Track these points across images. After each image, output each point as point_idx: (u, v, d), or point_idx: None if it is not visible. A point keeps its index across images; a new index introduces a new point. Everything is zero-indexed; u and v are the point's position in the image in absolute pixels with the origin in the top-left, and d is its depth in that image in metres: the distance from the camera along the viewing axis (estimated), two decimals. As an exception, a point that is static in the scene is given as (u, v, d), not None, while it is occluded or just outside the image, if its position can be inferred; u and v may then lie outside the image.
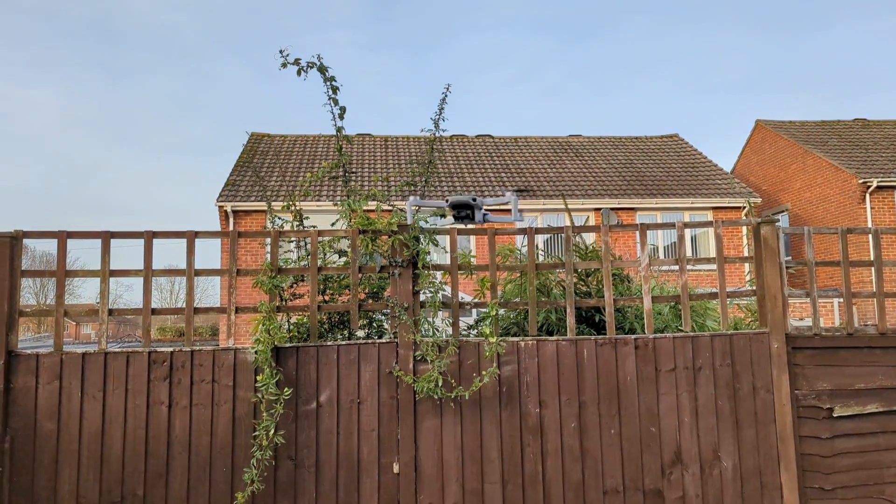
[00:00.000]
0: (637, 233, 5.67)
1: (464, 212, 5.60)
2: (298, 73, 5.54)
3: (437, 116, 6.35)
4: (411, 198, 5.92)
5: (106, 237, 4.89)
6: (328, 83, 5.70)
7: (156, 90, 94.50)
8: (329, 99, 5.75)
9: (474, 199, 5.65)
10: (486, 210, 5.77)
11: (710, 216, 20.16)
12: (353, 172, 6.21)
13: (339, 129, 5.90)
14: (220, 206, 18.31)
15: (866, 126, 24.37)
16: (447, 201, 5.67)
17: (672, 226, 5.68)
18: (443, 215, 5.91)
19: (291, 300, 5.68)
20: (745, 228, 18.04)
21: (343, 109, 5.82)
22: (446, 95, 6.33)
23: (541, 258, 8.62)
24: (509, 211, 5.96)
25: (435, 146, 6.56)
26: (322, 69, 5.64)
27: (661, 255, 19.34)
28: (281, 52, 5.39)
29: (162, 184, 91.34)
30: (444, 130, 6.46)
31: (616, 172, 22.20)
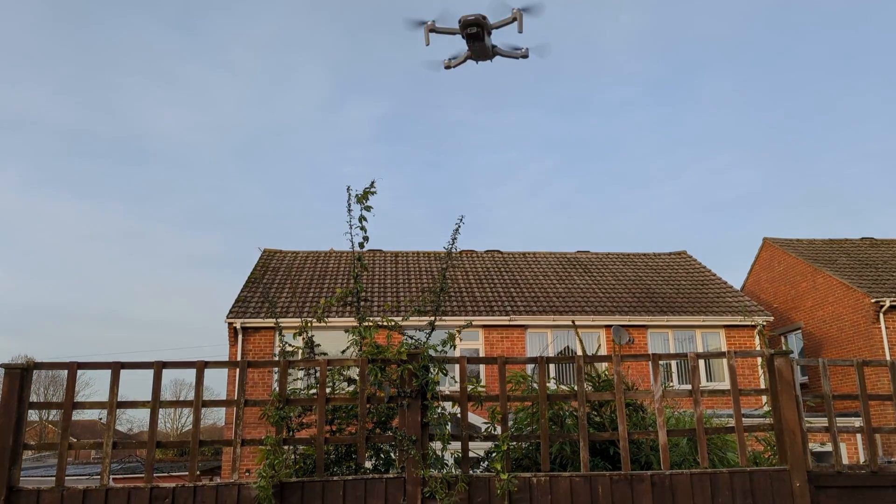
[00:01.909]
0: (650, 363, 5.60)
1: (474, 29, 5.82)
2: (358, 201, 5.79)
3: (450, 246, 6.48)
4: (428, 22, 6.16)
5: (116, 368, 4.88)
6: (360, 211, 5.89)
7: (174, 206, 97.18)
8: (352, 227, 5.92)
9: (484, 18, 5.86)
10: (496, 45, 5.98)
11: (721, 335, 19.98)
12: (365, 300, 6.26)
13: (358, 258, 6.00)
14: (230, 323, 18.35)
15: (874, 245, 24.53)
16: (460, 21, 5.89)
17: (684, 356, 5.63)
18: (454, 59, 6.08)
19: (298, 430, 5.58)
20: (760, 359, 17.78)
21: (366, 239, 5.96)
22: (459, 227, 6.47)
23: (552, 385, 8.50)
24: (517, 55, 6.18)
25: (446, 274, 6.64)
26: (360, 198, 5.86)
27: (676, 379, 19.03)
28: (348, 188, 5.71)
29: (174, 297, 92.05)
30: (456, 248, 6.58)
31: (626, 289, 22.24)
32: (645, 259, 25.39)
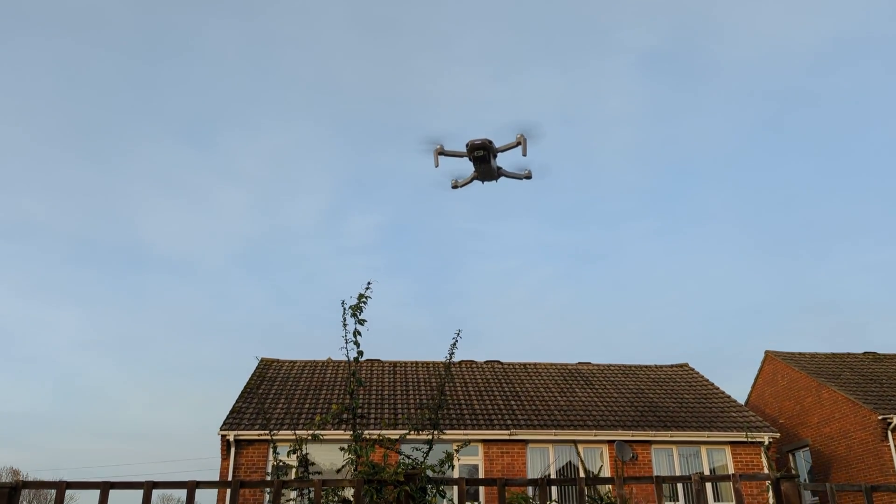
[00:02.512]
0: (654, 485, 5.45)
1: (480, 153, 5.99)
2: (351, 315, 5.82)
3: (448, 360, 6.46)
4: (438, 146, 6.35)
5: (105, 488, 4.76)
6: (354, 325, 5.89)
7: (174, 312, 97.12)
8: (348, 342, 5.91)
9: (490, 142, 6.04)
10: (501, 166, 6.14)
11: (727, 452, 19.48)
12: (361, 416, 6.17)
13: (353, 374, 5.97)
14: (223, 436, 17.94)
15: (878, 359, 24.35)
16: (467, 145, 6.06)
17: (689, 478, 5.49)
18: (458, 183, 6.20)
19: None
20: (766, 482, 17.34)
21: (360, 353, 5.95)
22: (456, 340, 6.48)
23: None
24: (521, 176, 6.32)
25: (445, 389, 6.58)
26: (356, 308, 5.89)
27: (682, 499, 18.41)
28: (342, 302, 5.74)
29: (168, 406, 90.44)
30: (454, 362, 6.55)
31: (628, 402, 21.88)
32: (647, 371, 25.13)
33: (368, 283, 5.99)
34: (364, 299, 5.95)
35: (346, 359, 6.08)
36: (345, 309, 5.92)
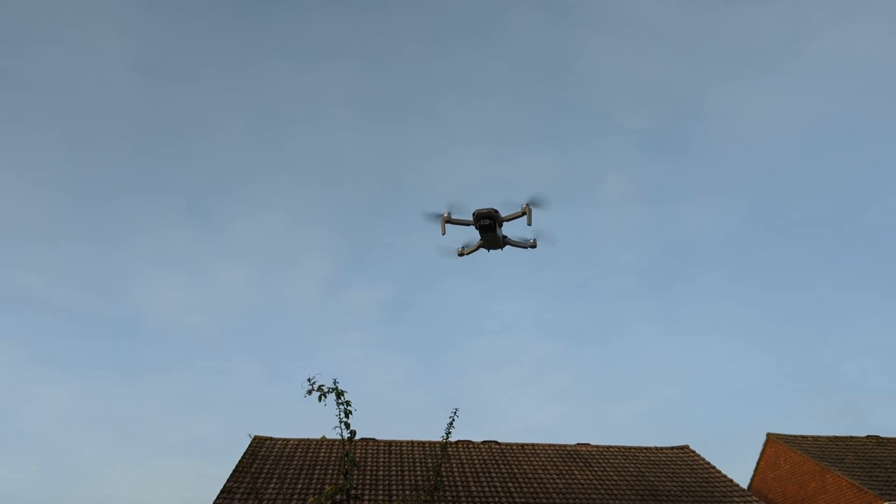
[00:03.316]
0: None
1: (486, 221, 6.07)
2: (319, 399, 5.74)
3: (445, 439, 6.37)
4: (445, 214, 6.46)
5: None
6: (343, 406, 5.82)
7: (166, 387, 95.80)
8: (341, 422, 5.84)
9: (496, 211, 6.11)
10: (506, 235, 6.22)
11: (732, 538, 18.90)
12: (356, 497, 6.06)
13: (346, 454, 5.88)
14: (213, 516, 17.44)
15: (881, 443, 23.96)
16: (473, 214, 6.16)
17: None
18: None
19: None
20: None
21: (353, 433, 5.87)
22: (453, 420, 6.42)
23: None
24: (526, 245, 6.34)
25: (441, 470, 6.47)
26: (339, 393, 5.82)
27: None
28: (309, 380, 5.69)
29: (159, 485, 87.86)
30: (450, 442, 6.45)
31: (628, 485, 21.36)
32: (647, 453, 24.63)
33: (335, 381, 5.86)
34: (332, 390, 5.82)
35: (341, 444, 6.00)
36: (317, 390, 5.77)
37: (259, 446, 22.64)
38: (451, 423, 6.49)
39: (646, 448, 25.19)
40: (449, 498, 19.37)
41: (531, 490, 20.59)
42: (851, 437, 24.55)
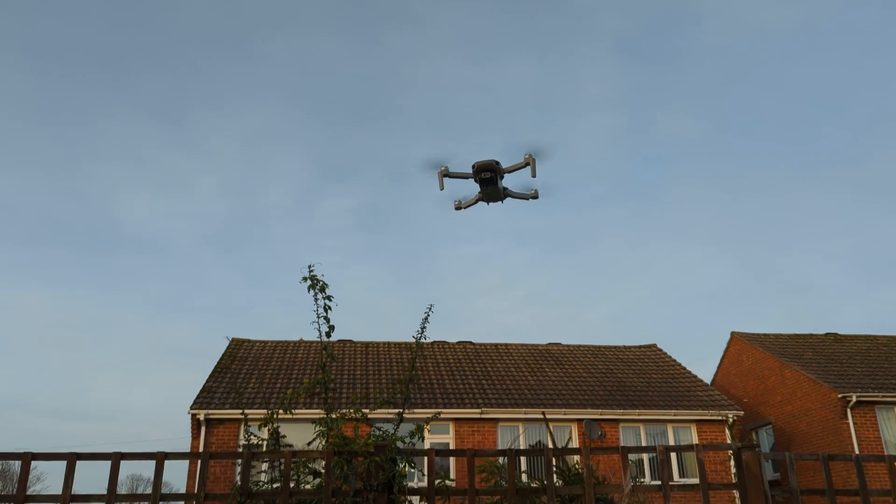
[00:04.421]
0: (620, 456, 5.56)
1: (487, 174, 5.79)
2: (308, 289, 5.80)
3: (419, 335, 6.49)
4: (442, 168, 6.17)
5: (71, 459, 4.73)
6: (323, 301, 5.88)
7: (143, 294, 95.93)
8: (319, 317, 5.91)
9: (497, 162, 5.83)
10: (507, 187, 5.97)
11: (693, 430, 19.88)
12: (332, 389, 6.21)
13: (324, 347, 5.98)
14: (193, 415, 17.84)
15: (838, 340, 24.97)
16: (473, 166, 5.89)
17: (654, 449, 5.62)
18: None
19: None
20: (729, 452, 17.66)
21: (332, 328, 5.96)
22: (428, 315, 6.51)
23: (524, 479, 8.36)
24: (528, 196, 6.13)
25: (416, 363, 6.63)
26: (323, 287, 5.88)
27: (647, 471, 18.79)
28: (309, 266, 5.72)
29: (138, 387, 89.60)
30: (426, 337, 6.58)
31: (597, 382, 22.19)
32: (616, 352, 25.46)
33: (310, 267, 5.91)
34: (315, 279, 5.90)
35: (317, 338, 6.08)
36: (311, 283, 5.88)
37: (237, 348, 22.97)
38: (425, 319, 6.60)
39: (614, 347, 26.02)
40: (425, 395, 20.00)
41: (504, 387, 21.30)
42: (811, 335, 25.53)
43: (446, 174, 7.21)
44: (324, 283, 5.87)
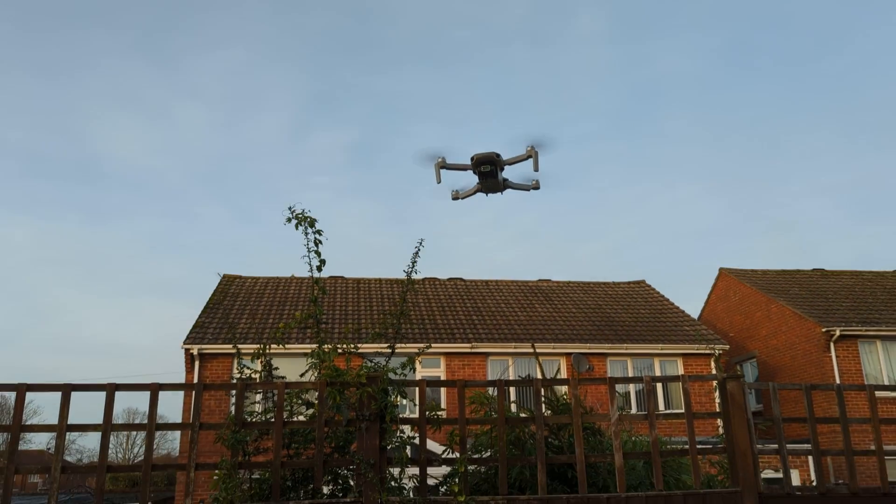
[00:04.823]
0: (607, 386, 5.67)
1: (487, 167, 5.64)
2: (296, 227, 5.75)
3: (410, 269, 6.50)
4: (439, 159, 6.00)
5: (66, 390, 4.78)
6: (313, 235, 5.85)
7: (133, 230, 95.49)
8: (310, 251, 5.89)
9: (498, 155, 5.67)
10: (506, 178, 5.84)
11: (679, 363, 20.27)
12: (324, 322, 6.25)
13: (315, 281, 5.98)
14: (187, 349, 18.01)
15: (825, 276, 25.26)
16: (472, 159, 5.72)
17: (640, 380, 5.73)
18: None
19: (255, 454, 5.50)
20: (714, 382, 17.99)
21: (322, 262, 5.94)
22: (419, 249, 6.51)
23: (513, 409, 8.52)
24: (528, 187, 6.01)
25: (407, 298, 6.65)
26: (311, 223, 5.83)
27: (634, 403, 19.22)
28: (290, 208, 5.66)
29: (131, 324, 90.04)
30: (417, 272, 6.59)
31: (586, 317, 22.47)
32: (605, 288, 25.71)
33: (290, 208, 5.82)
34: (305, 218, 5.83)
35: (309, 272, 6.07)
36: (294, 221, 5.80)
37: (229, 284, 23.04)
38: (416, 254, 6.59)
39: (604, 283, 26.25)
40: (416, 330, 20.22)
41: (494, 322, 21.55)
42: (798, 271, 25.80)
43: (443, 166, 6.94)
44: (312, 218, 5.82)
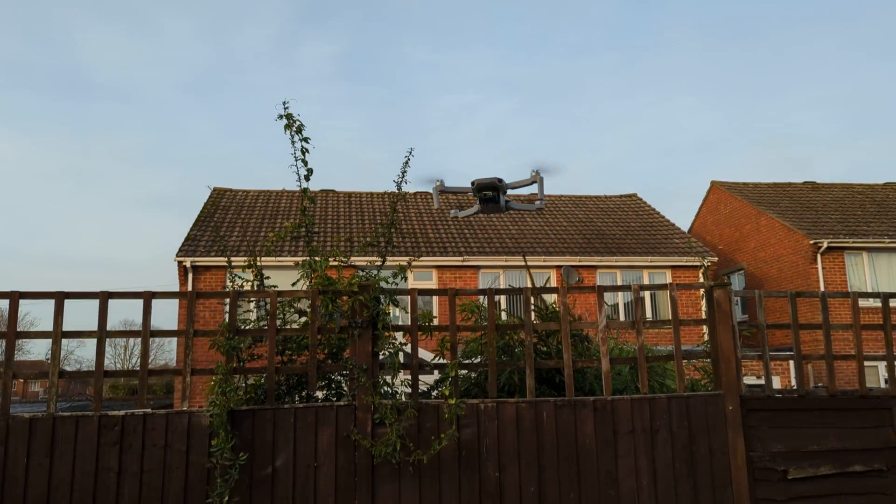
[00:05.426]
0: (596, 294, 5.76)
1: (488, 193, 5.60)
2: (285, 129, 5.64)
3: (400, 179, 6.45)
4: (437, 182, 5.95)
5: (60, 298, 4.81)
6: (300, 143, 5.75)
7: (121, 143, 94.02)
8: (297, 160, 5.81)
9: (500, 180, 5.61)
10: (508, 199, 5.81)
11: (668, 275, 20.53)
12: (315, 232, 6.24)
13: (304, 190, 5.93)
14: (180, 262, 18.08)
15: (816, 189, 25.31)
16: (473, 184, 5.66)
17: (628, 288, 5.81)
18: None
19: (249, 361, 5.61)
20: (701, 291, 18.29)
21: (310, 171, 5.87)
22: (409, 159, 6.44)
23: (503, 317, 8.67)
24: (531, 200, 5.98)
25: (398, 207, 6.63)
26: (299, 129, 5.72)
27: (622, 314, 19.58)
28: (284, 103, 5.54)
29: (122, 238, 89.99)
30: (407, 182, 6.55)
31: (576, 230, 22.58)
32: (596, 201, 25.73)
33: (285, 104, 5.66)
34: (295, 122, 5.70)
35: (297, 181, 6.00)
36: (284, 119, 5.67)
37: (219, 197, 22.90)
38: (406, 163, 6.52)
39: (595, 196, 26.24)
40: (408, 243, 20.31)
41: (485, 235, 21.64)
42: (789, 183, 25.82)
43: (442, 190, 6.68)
44: (300, 123, 5.71)
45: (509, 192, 6.02)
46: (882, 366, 16.72)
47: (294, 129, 5.67)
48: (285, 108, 5.59)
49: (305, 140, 5.73)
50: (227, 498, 4.53)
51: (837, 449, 5.40)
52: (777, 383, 17.33)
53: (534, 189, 8.05)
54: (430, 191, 7.23)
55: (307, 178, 5.91)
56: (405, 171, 6.44)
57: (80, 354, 56.99)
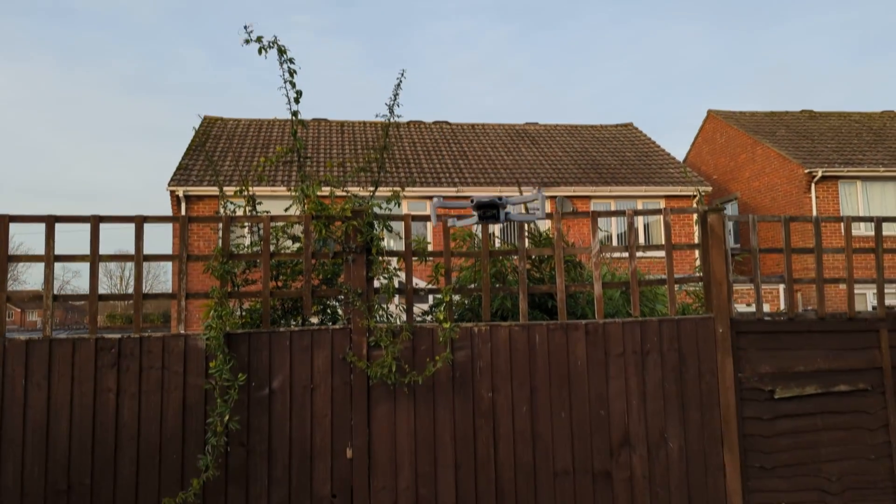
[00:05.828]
0: (590, 220, 5.75)
1: (489, 212, 5.65)
2: (259, 51, 5.48)
3: (392, 102, 6.33)
4: (435, 198, 5.96)
5: (50, 221, 4.77)
6: (285, 65, 5.62)
7: (110, 72, 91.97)
8: (285, 82, 5.68)
9: (500, 199, 5.67)
10: (510, 210, 5.83)
11: (662, 204, 20.54)
12: (307, 157, 6.18)
13: (294, 113, 5.82)
14: (172, 191, 17.96)
15: (813, 117, 25.07)
16: (472, 201, 5.67)
17: (622, 213, 5.80)
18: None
19: (244, 286, 5.62)
20: (694, 216, 18.37)
21: (299, 93, 5.75)
22: (401, 81, 6.29)
23: (497, 244, 8.69)
24: (532, 220, 6.03)
25: (390, 132, 6.53)
26: (281, 50, 5.57)
27: (615, 242, 19.67)
28: (245, 27, 5.33)
29: (114, 168, 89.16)
30: (399, 116, 6.44)
31: (571, 160, 22.43)
32: (592, 131, 25.48)
33: (247, 27, 5.42)
34: (280, 50, 5.52)
35: (286, 105, 5.88)
36: (257, 41, 5.45)
37: (211, 126, 22.57)
38: (398, 86, 6.38)
39: (591, 126, 25.97)
40: (401, 173, 20.17)
41: (480, 166, 21.49)
42: (786, 112, 25.56)
43: (441, 206, 6.51)
44: (281, 45, 5.54)
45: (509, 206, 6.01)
46: (870, 293, 16.94)
47: (271, 49, 5.49)
48: (248, 32, 5.38)
49: (290, 61, 5.58)
50: (227, 417, 4.61)
51: (824, 370, 5.51)
52: (767, 309, 17.59)
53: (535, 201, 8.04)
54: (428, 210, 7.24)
55: (297, 100, 5.79)
56: (397, 94, 6.32)
57: (77, 285, 57.23)
